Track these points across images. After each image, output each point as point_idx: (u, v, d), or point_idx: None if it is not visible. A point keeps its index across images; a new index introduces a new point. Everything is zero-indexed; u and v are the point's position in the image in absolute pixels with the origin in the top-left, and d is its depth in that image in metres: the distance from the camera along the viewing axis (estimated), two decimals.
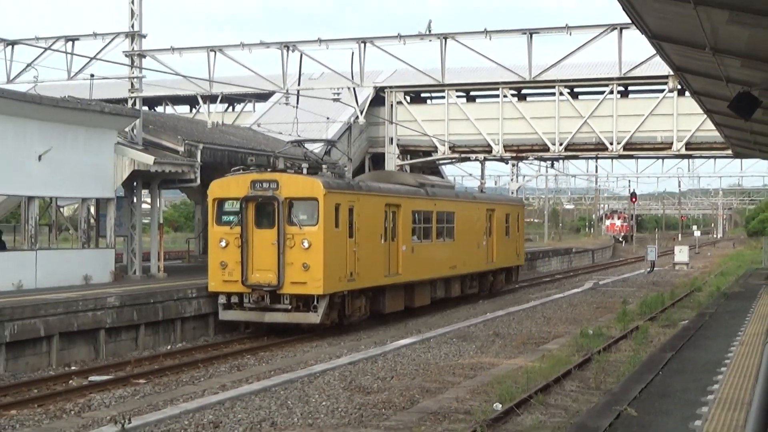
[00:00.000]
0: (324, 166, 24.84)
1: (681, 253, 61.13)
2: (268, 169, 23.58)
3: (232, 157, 30.51)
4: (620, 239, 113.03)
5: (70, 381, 18.43)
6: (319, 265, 21.73)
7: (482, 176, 64.04)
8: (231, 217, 23.24)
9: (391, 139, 50.33)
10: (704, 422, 11.00)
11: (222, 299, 22.66)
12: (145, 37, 34.09)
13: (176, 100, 54.14)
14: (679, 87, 37.98)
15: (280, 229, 21.94)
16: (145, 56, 34.94)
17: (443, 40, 41.49)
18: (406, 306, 27.81)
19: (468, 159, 54.52)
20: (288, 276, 21.88)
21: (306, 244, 21.81)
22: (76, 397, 16.87)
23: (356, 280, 23.48)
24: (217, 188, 23.54)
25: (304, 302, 21.90)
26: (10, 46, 37.20)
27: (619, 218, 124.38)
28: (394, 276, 26.42)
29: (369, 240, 24.49)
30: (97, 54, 34.45)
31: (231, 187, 23.14)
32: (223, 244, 22.81)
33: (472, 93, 51.92)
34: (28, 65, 37.07)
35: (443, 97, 50.90)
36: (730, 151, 41.83)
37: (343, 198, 23.15)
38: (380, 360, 20.13)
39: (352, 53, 42.54)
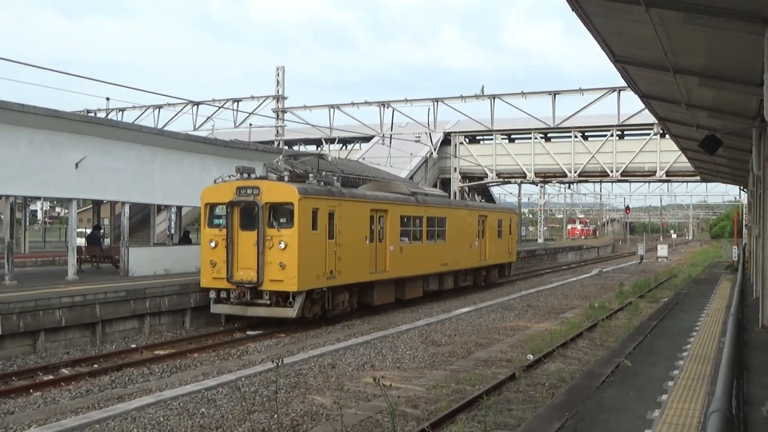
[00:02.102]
0: (311, 175, 21.40)
1: (662, 250, 60.58)
2: (253, 176, 20.39)
3: (345, 179, 30.48)
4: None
5: (234, 334, 18.95)
6: (294, 264, 18.72)
7: (519, 195, 63.91)
8: (220, 220, 20.26)
9: (455, 168, 51.41)
10: (681, 371, 10.81)
11: (212, 294, 19.80)
12: (286, 98, 35.06)
13: (307, 141, 55.20)
14: (661, 131, 37.30)
15: (260, 231, 19.03)
16: (286, 111, 35.78)
17: (492, 99, 41.84)
18: (397, 299, 24.69)
19: (509, 182, 55.54)
20: (267, 274, 18.94)
21: (283, 245, 18.78)
22: (237, 345, 17.80)
23: (337, 278, 20.51)
24: (209, 194, 20.51)
25: (283, 298, 19.03)
26: (195, 106, 38.05)
27: (580, 223, 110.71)
28: (381, 273, 23.23)
29: (352, 241, 21.39)
30: (254, 110, 35.47)
31: (220, 192, 20.05)
32: (213, 244, 19.83)
33: (512, 135, 51.95)
34: (208, 118, 38.19)
35: (491, 139, 51.69)
36: (698, 177, 41.48)
37: (322, 203, 19.96)
38: (447, 323, 20.36)
39: (428, 109, 43.41)
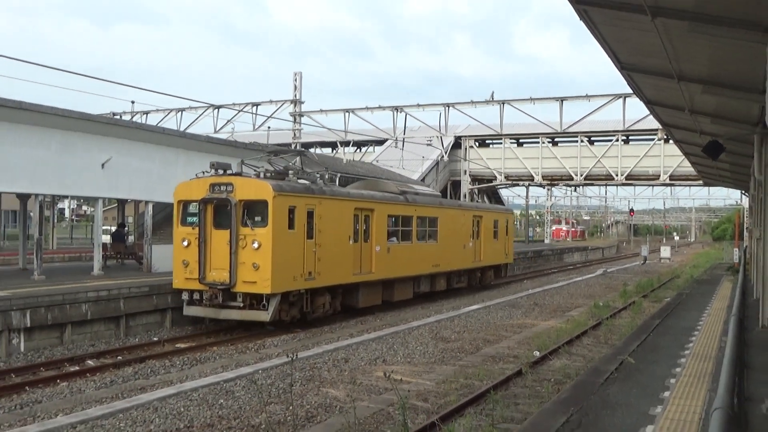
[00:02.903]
0: (290, 171, 19.56)
1: (665, 251, 60.07)
2: (230, 173, 18.59)
3: (359, 180, 30.37)
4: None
5: (251, 329, 18.47)
6: (268, 265, 16.98)
7: (527, 197, 63.78)
8: (194, 218, 18.38)
9: (465, 171, 51.19)
10: (682, 369, 10.72)
11: (185, 295, 18.04)
12: (303, 102, 35.18)
13: (323, 144, 55.29)
14: (665, 137, 36.99)
15: (233, 230, 17.26)
16: (303, 115, 35.79)
17: (501, 105, 41.67)
18: (384, 300, 22.87)
19: (517, 185, 55.27)
20: (240, 275, 17.20)
21: (256, 245, 17.03)
22: (255, 339, 17.73)
23: (317, 279, 18.73)
24: (182, 190, 18.67)
25: (257, 300, 17.36)
26: (216, 109, 38.22)
27: (566, 224, 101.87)
28: (366, 274, 21.38)
29: (334, 241, 19.59)
30: (272, 114, 35.50)
31: (193, 189, 18.25)
32: (186, 243, 18.04)
33: (520, 140, 51.83)
34: (228, 121, 38.24)
35: (501, 143, 51.30)
36: (701, 181, 41.13)
37: (299, 201, 18.09)
38: (456, 319, 20.32)
39: (440, 113, 43.24)
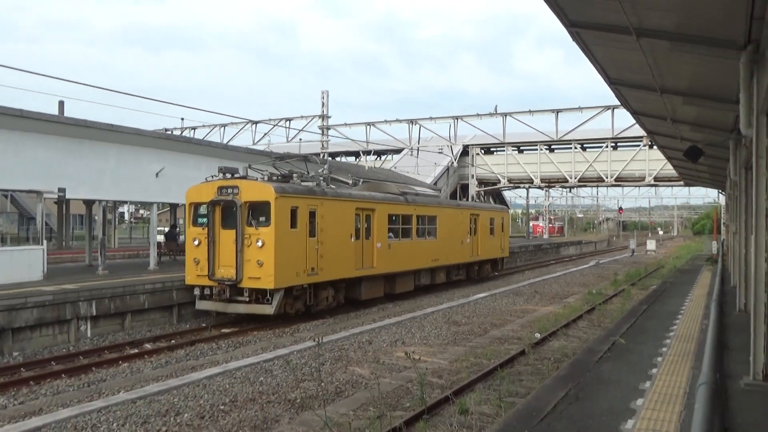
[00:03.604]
0: (295, 175, 18.90)
1: (651, 244, 59.50)
2: (237, 176, 17.93)
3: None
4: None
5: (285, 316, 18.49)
6: (271, 262, 16.38)
7: (527, 197, 63.59)
8: (204, 219, 17.85)
9: (472, 175, 51.16)
10: (668, 349, 10.62)
11: (197, 291, 17.48)
12: (330, 117, 35.23)
13: (347, 153, 55.46)
14: (650, 143, 36.61)
15: (239, 230, 16.71)
16: (329, 128, 35.80)
17: (504, 117, 41.54)
18: (386, 293, 22.07)
19: (518, 187, 55.23)
20: (246, 272, 16.66)
21: (260, 243, 16.46)
22: (290, 325, 17.67)
23: (319, 274, 18.06)
24: (193, 194, 18.06)
25: (262, 295, 16.77)
26: (254, 124, 38.37)
27: (542, 220, 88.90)
28: (368, 269, 20.66)
29: (336, 239, 18.90)
30: (303, 127, 35.67)
31: (202, 192, 17.68)
32: (197, 243, 17.48)
33: (521, 147, 51.68)
34: (265, 134, 38.34)
35: (504, 150, 51.06)
36: (682, 182, 40.71)
37: (302, 202, 17.47)
38: (466, 306, 20.24)
39: (450, 125, 43.15)
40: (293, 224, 17.28)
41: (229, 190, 17.22)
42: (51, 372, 12.36)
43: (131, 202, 55.29)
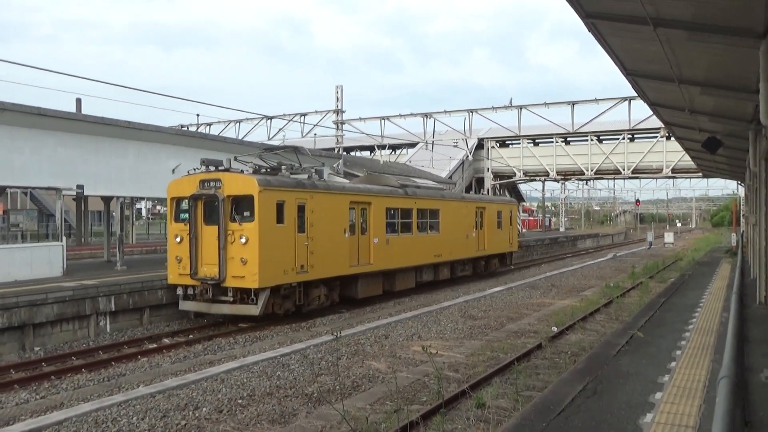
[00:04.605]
0: (284, 167, 17.58)
1: (669, 237, 58.83)
2: (220, 169, 16.64)
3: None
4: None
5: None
6: (255, 260, 15.32)
7: (543, 190, 63.22)
8: (186, 215, 16.61)
9: (488, 168, 50.94)
10: (687, 342, 10.52)
11: (180, 291, 16.41)
12: (344, 112, 35.34)
13: (362, 148, 55.54)
14: (667, 134, 36.21)
15: (222, 225, 15.64)
16: (344, 123, 35.80)
17: (519, 109, 41.38)
18: (386, 290, 20.91)
19: (534, 180, 55.05)
20: (230, 270, 15.58)
21: (244, 240, 15.37)
22: (306, 319, 17.53)
23: (310, 272, 16.93)
24: (174, 188, 16.97)
25: (247, 294, 15.67)
26: (269, 120, 38.60)
27: (524, 211, 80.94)
28: (364, 266, 19.48)
29: (328, 234, 17.72)
30: (318, 122, 35.75)
31: (184, 186, 16.57)
32: (178, 239, 16.39)
33: (536, 140, 51.44)
34: (280, 130, 38.52)
35: (519, 143, 50.89)
36: (700, 174, 40.24)
37: (289, 195, 16.32)
38: (482, 300, 20.14)
39: (464, 118, 42.93)
40: (279, 219, 16.22)
41: (212, 184, 16.19)
42: (71, 367, 12.51)
43: (149, 199, 55.77)
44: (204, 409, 9.31)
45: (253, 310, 15.69)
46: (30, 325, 14.09)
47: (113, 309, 15.81)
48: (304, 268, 16.94)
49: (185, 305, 16.62)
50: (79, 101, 32.24)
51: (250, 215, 15.74)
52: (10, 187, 28.51)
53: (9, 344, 13.77)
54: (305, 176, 18.16)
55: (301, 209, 16.93)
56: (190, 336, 15.53)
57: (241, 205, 15.98)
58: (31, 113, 17.98)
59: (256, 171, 17.31)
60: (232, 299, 15.88)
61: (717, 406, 3.49)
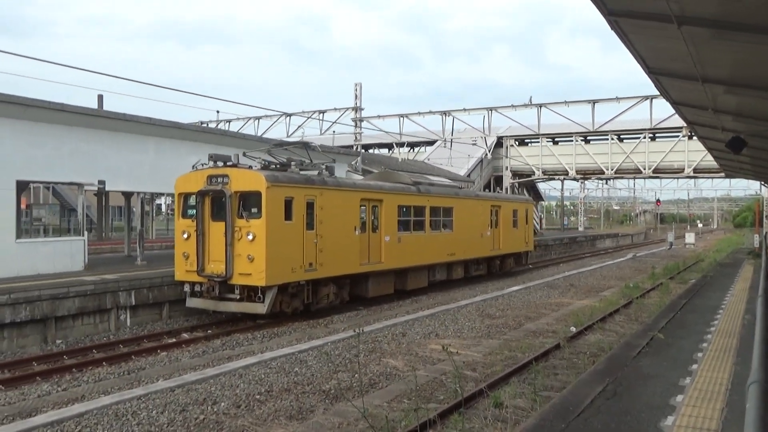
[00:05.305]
0: (293, 163, 17.37)
1: (690, 237, 58.13)
2: (228, 164, 16.27)
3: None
4: None
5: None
6: (262, 257, 14.97)
7: (562, 189, 62.78)
8: (194, 211, 16.31)
9: (506, 167, 50.54)
10: (709, 344, 10.38)
11: (187, 287, 16.13)
12: (363, 109, 35.35)
13: (380, 145, 55.56)
14: (689, 134, 35.73)
15: (229, 222, 15.30)
16: (363, 120, 35.91)
17: (539, 108, 41.09)
18: (397, 289, 20.57)
19: (553, 179, 54.52)
20: (236, 267, 15.27)
21: (251, 237, 15.05)
22: (324, 316, 17.56)
23: (318, 270, 16.60)
24: (182, 183, 16.65)
25: (254, 292, 15.37)
26: (288, 116, 38.71)
27: None
28: (375, 264, 19.10)
29: (338, 232, 17.34)
30: (336, 120, 35.78)
31: (191, 181, 16.23)
32: (186, 236, 16.09)
33: (556, 138, 51.05)
34: (299, 127, 38.57)
35: (538, 142, 50.44)
36: (723, 174, 39.59)
37: (298, 192, 15.95)
38: (500, 299, 20.08)
39: (483, 116, 42.69)
40: (288, 216, 15.85)
41: (219, 180, 15.85)
42: (92, 360, 12.68)
43: (168, 194, 56.28)
44: (222, 403, 9.38)
45: (260, 308, 15.41)
46: (52, 318, 14.29)
47: (133, 303, 15.97)
48: (313, 266, 16.63)
49: (192, 302, 16.34)
50: (100, 97, 32.59)
51: (258, 212, 15.43)
52: (34, 182, 28.89)
53: (32, 337, 13.99)
54: (315, 172, 17.82)
55: (310, 206, 16.61)
56: (209, 331, 15.64)
57: (249, 202, 15.68)
58: (53, 109, 18.20)
59: (265, 167, 17.02)
60: (238, 297, 15.59)
61: (747, 413, 3.44)
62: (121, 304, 15.70)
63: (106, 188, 20.26)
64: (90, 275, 16.90)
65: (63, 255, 18.50)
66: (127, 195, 26.08)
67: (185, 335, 15.13)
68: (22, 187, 20.23)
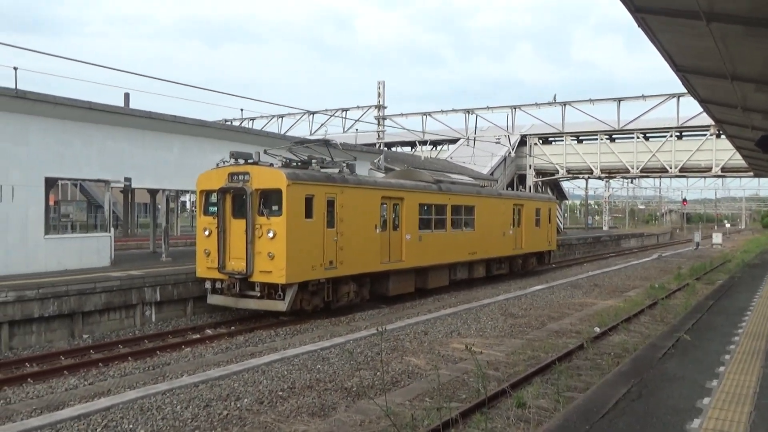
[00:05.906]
0: (314, 161, 17.33)
1: (717, 237, 57.09)
2: (249, 162, 16.24)
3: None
4: None
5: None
6: (282, 255, 14.94)
7: (586, 188, 62.19)
8: (215, 208, 16.33)
9: (530, 165, 50.21)
10: (736, 346, 10.21)
11: (207, 284, 16.23)
12: (386, 107, 35.26)
13: (403, 143, 55.51)
14: (718, 132, 35.15)
15: (249, 219, 15.29)
16: (386, 118, 35.93)
17: (563, 106, 40.66)
18: (418, 288, 20.45)
19: (577, 178, 53.97)
20: (257, 265, 15.26)
21: (271, 234, 15.02)
22: (346, 314, 17.67)
23: (339, 268, 16.52)
24: (203, 181, 16.72)
25: (274, 290, 15.33)
26: (311, 114, 38.81)
27: None
28: (396, 263, 19.00)
29: (358, 230, 17.27)
30: (359, 118, 35.81)
31: (213, 179, 16.27)
32: (207, 233, 16.15)
33: (580, 137, 50.52)
34: (322, 125, 38.66)
35: (562, 140, 49.93)
36: (752, 173, 38.83)
37: (318, 189, 15.88)
38: (523, 298, 19.96)
39: (507, 114, 42.44)
40: (308, 214, 15.81)
41: (240, 177, 15.85)
42: (118, 354, 12.84)
43: (193, 191, 56.86)
44: (245, 400, 9.45)
45: (280, 305, 15.40)
46: (79, 313, 14.51)
47: (158, 299, 16.15)
48: (333, 263, 16.56)
49: (213, 299, 16.39)
50: (127, 96, 33.02)
51: (278, 209, 15.41)
52: (62, 179, 29.35)
53: (59, 331, 14.22)
54: (336, 170, 17.75)
55: (330, 204, 16.53)
56: (233, 327, 15.76)
57: (270, 199, 15.66)
58: (81, 107, 18.47)
59: (286, 164, 17.00)
60: (259, 294, 15.57)
61: None
62: (147, 300, 15.88)
63: (132, 185, 20.52)
64: (116, 271, 17.11)
65: (90, 251, 18.77)
66: (153, 192, 26.38)
67: (209, 331, 15.27)
68: (50, 183, 20.56)
